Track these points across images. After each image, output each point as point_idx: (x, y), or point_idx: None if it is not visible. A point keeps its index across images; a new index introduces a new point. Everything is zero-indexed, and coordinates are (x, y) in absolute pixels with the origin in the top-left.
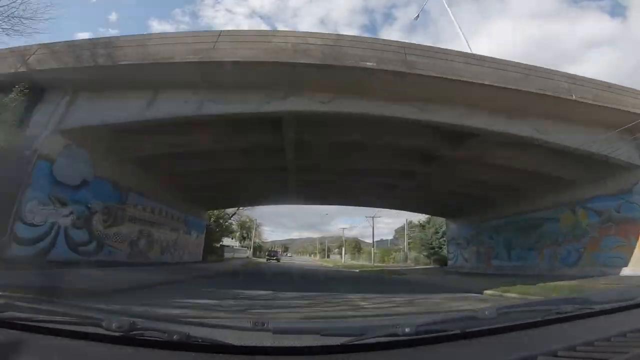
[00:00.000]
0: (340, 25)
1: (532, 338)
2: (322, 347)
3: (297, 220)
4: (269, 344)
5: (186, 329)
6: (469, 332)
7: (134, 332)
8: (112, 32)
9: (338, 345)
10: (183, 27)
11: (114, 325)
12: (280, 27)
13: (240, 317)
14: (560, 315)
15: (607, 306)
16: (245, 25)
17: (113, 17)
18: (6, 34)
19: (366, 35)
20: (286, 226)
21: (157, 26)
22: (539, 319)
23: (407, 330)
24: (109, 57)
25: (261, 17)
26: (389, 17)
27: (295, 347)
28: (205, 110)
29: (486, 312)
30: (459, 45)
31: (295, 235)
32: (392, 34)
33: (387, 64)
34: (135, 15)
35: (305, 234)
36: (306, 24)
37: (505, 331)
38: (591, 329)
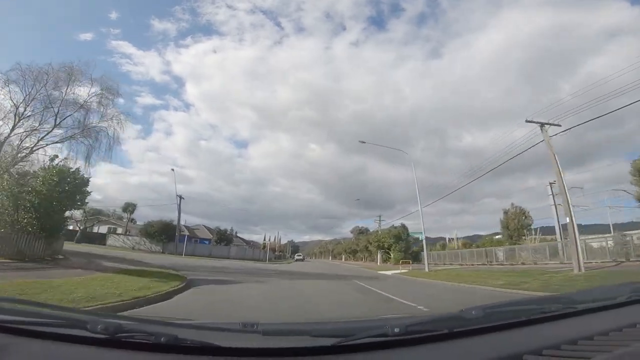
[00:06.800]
0: (346, 19)
1: (518, 337)
2: (312, 348)
3: (307, 222)
4: (258, 346)
5: (174, 331)
6: (456, 331)
7: (120, 335)
8: (115, 31)
9: (328, 347)
10: (184, 25)
11: (99, 327)
12: (284, 22)
13: (230, 319)
14: (545, 315)
15: (590, 305)
16: (247, 22)
17: (113, 15)
18: None
19: (373, 27)
20: (297, 229)
21: (158, 25)
22: (524, 319)
23: (396, 330)
24: None
25: (263, 12)
26: (395, 9)
27: (285, 348)
28: None
29: (473, 312)
30: (469, 39)
31: (306, 238)
32: (399, 26)
33: None
34: (135, 13)
35: (316, 237)
36: (310, 19)
37: (491, 330)
38: (575, 328)
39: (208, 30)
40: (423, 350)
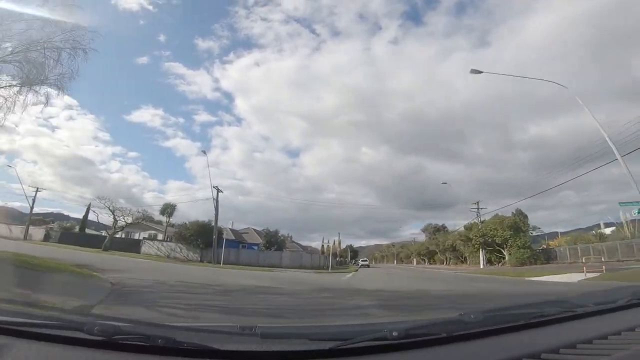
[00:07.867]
0: (380, 17)
1: (517, 341)
2: (310, 351)
3: (364, 227)
4: (256, 349)
5: (172, 333)
6: (455, 335)
7: (117, 337)
8: (165, 54)
9: (326, 350)
10: (225, 42)
11: (95, 329)
12: (318, 29)
13: (228, 322)
14: (544, 318)
15: (589, 309)
16: (283, 32)
17: (162, 38)
18: None
19: (409, 23)
20: (354, 234)
21: (202, 44)
22: (524, 322)
23: (395, 334)
24: None
25: (297, 20)
26: (430, 1)
27: (282, 351)
28: None
29: (472, 316)
30: (517, 23)
31: (363, 243)
32: (436, 18)
33: None
34: (179, 34)
35: (373, 242)
36: (344, 22)
37: (490, 334)
38: (574, 331)
39: (247, 44)
40: (422, 353)
